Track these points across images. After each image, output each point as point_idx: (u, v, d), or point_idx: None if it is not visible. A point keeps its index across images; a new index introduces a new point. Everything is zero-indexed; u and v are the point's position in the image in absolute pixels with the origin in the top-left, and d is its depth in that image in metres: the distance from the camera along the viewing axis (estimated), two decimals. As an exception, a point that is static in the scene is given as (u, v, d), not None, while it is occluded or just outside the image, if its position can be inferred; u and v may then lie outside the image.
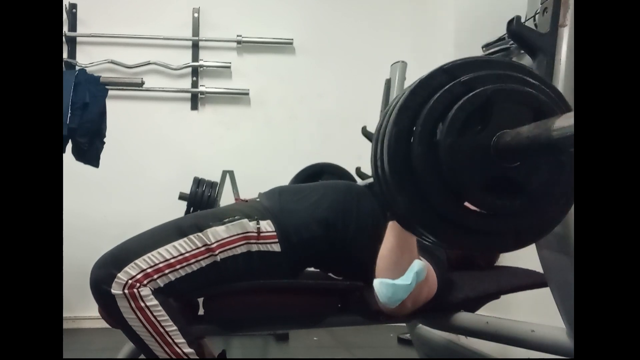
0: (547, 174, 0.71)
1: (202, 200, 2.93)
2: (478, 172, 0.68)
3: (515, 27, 0.94)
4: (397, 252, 1.15)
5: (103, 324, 1.27)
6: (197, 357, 1.18)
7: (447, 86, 0.70)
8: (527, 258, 1.21)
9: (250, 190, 1.85)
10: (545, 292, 1.05)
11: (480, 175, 0.69)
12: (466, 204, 0.70)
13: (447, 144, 0.67)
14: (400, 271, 1.14)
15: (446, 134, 0.68)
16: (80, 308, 3.14)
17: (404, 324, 2.30)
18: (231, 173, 3.17)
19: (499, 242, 0.76)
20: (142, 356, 1.24)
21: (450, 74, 0.71)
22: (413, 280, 1.13)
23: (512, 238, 0.74)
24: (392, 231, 1.17)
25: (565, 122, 0.61)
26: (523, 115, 0.69)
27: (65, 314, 3.06)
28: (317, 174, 2.13)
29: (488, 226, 0.72)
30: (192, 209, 2.93)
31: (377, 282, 1.16)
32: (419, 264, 1.15)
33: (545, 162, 0.71)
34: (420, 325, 1.85)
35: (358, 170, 2.31)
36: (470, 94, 0.68)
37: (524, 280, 1.37)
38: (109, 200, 3.34)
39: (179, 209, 2.84)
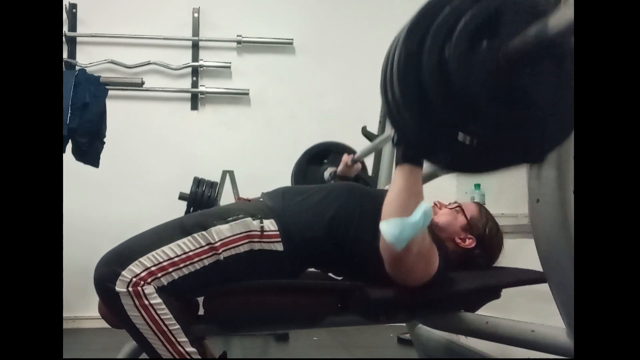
0: (554, 85, 0.70)
1: (202, 200, 2.93)
2: (488, 82, 0.67)
3: None
4: (404, 196, 1.14)
5: (103, 324, 1.27)
6: (199, 356, 1.18)
7: (455, 3, 0.70)
8: (527, 259, 1.21)
9: (250, 190, 1.84)
10: (545, 292, 1.05)
11: (490, 86, 0.68)
12: (476, 120, 0.69)
13: (456, 57, 0.67)
14: (407, 214, 1.12)
15: (455, 47, 0.67)
16: (80, 308, 3.14)
17: (404, 324, 2.30)
18: (231, 173, 3.17)
19: (509, 156, 0.75)
20: (142, 356, 1.24)
21: None
22: (421, 219, 1.11)
23: (522, 151, 0.74)
24: (399, 175, 1.16)
25: (565, 13, 0.61)
26: (529, 25, 0.68)
27: (65, 314, 3.06)
28: (323, 152, 2.14)
29: (498, 139, 0.71)
30: (192, 209, 2.93)
31: (383, 223, 1.13)
32: (426, 205, 1.13)
33: (551, 73, 0.69)
34: (420, 325, 1.85)
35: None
36: (478, 6, 0.68)
37: (524, 276, 1.37)
38: (109, 200, 3.35)
39: (179, 209, 2.84)
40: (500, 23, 0.68)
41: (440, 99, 0.68)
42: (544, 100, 0.70)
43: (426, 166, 1.20)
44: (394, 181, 1.17)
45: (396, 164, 1.18)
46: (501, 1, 0.68)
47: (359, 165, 1.96)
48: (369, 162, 2.36)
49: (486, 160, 0.75)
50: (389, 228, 1.12)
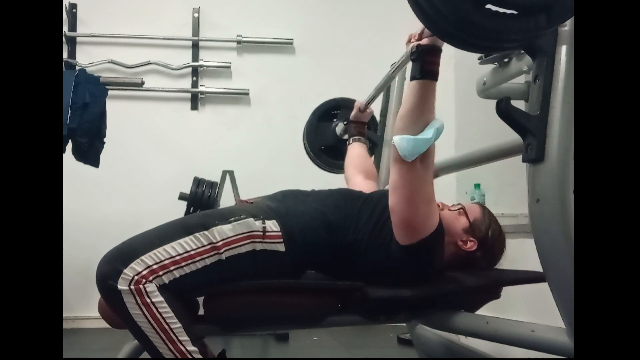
0: None
1: (202, 200, 2.93)
2: None
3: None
4: (417, 111, 1.19)
5: (103, 324, 1.27)
6: (200, 356, 1.18)
7: None
8: (527, 261, 1.21)
9: (250, 190, 1.85)
10: (545, 292, 1.05)
11: None
12: None
13: None
14: (420, 128, 1.18)
15: None
16: (80, 308, 3.14)
17: (404, 324, 2.30)
18: (231, 173, 3.17)
19: (532, 21, 0.75)
20: (142, 356, 1.24)
21: None
22: (433, 135, 1.18)
23: (545, 17, 0.74)
24: (412, 90, 1.20)
25: None
26: None
27: (65, 314, 3.06)
28: (333, 108, 2.15)
29: (521, 3, 0.72)
30: (192, 209, 2.93)
31: (397, 138, 1.20)
32: (439, 121, 1.19)
33: None
34: (420, 325, 1.85)
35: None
36: None
37: (524, 275, 1.37)
38: (109, 200, 3.35)
39: (179, 209, 2.84)
40: None
41: None
42: None
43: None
44: (407, 96, 1.22)
45: (412, 79, 1.21)
46: None
47: (371, 109, 1.97)
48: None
49: (512, 29, 0.76)
50: (402, 144, 1.18)
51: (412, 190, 1.23)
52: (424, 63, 1.18)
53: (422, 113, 1.19)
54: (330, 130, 2.13)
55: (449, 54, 1.20)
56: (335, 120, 2.13)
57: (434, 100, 1.20)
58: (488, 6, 0.76)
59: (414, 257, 1.26)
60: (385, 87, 1.91)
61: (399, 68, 1.64)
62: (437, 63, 1.20)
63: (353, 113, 1.93)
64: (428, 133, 1.18)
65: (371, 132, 2.04)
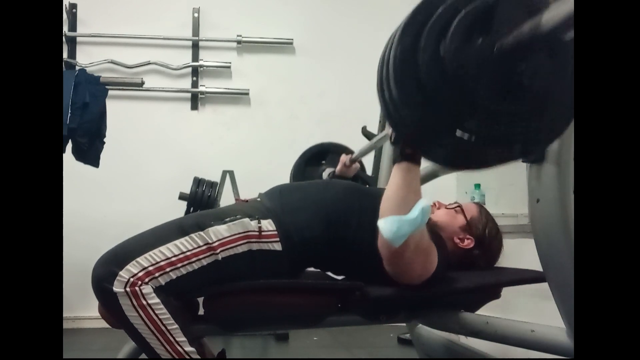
0: (550, 77, 0.70)
1: (202, 200, 2.93)
2: (484, 76, 0.68)
3: None
4: (402, 192, 1.15)
5: (103, 324, 1.27)
6: (198, 356, 1.18)
7: (449, 1, 0.70)
8: (527, 259, 1.21)
9: (250, 190, 1.85)
10: (545, 292, 1.05)
11: (486, 79, 0.68)
12: (473, 115, 0.70)
13: (452, 51, 0.67)
14: (405, 210, 1.12)
15: (450, 42, 0.67)
16: (80, 308, 3.14)
17: (404, 324, 2.30)
18: (231, 173, 3.17)
19: (507, 150, 0.75)
20: (142, 356, 1.24)
21: None
22: (419, 216, 1.11)
23: (520, 145, 0.74)
24: (397, 172, 1.16)
25: (559, 8, 0.61)
26: (523, 21, 0.68)
27: (65, 314, 3.06)
28: (321, 153, 2.14)
29: (495, 132, 0.71)
30: (192, 209, 2.93)
31: (381, 221, 1.13)
32: (424, 202, 1.13)
33: (547, 65, 0.70)
34: (420, 325, 1.85)
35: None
36: (472, 4, 0.68)
37: (524, 275, 1.37)
38: (109, 200, 3.35)
39: (179, 209, 2.84)
40: (495, 19, 0.68)
41: (437, 95, 0.69)
42: (540, 92, 0.70)
43: (425, 165, 1.20)
44: (392, 178, 1.18)
45: (394, 162, 1.18)
46: None
47: (357, 165, 1.96)
48: (369, 161, 2.36)
49: (485, 155, 0.75)
50: (386, 225, 1.12)
51: (405, 268, 1.18)
52: (404, 147, 1.15)
53: (407, 194, 1.14)
54: (317, 175, 2.12)
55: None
56: (323, 162, 2.12)
57: (417, 182, 1.16)
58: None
59: None
60: (374, 149, 1.91)
61: (386, 137, 1.63)
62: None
63: (338, 168, 1.94)
64: (413, 213, 1.11)
65: (363, 173, 2.04)
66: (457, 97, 0.68)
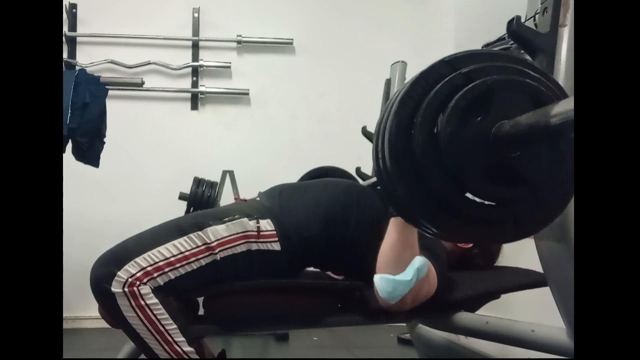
0: (547, 163, 0.71)
1: (202, 200, 2.93)
2: (478, 160, 0.68)
3: (515, 27, 0.94)
4: (399, 248, 1.15)
5: (103, 324, 1.27)
6: (197, 356, 1.18)
7: (448, 77, 0.70)
8: (527, 258, 1.21)
9: (250, 190, 1.84)
10: (545, 292, 1.05)
11: (481, 163, 0.69)
12: (467, 194, 0.70)
13: (447, 133, 0.67)
14: (401, 267, 1.14)
15: (447, 123, 0.68)
16: (80, 308, 3.14)
17: (404, 324, 2.30)
18: (231, 173, 3.17)
19: (499, 232, 0.75)
20: (142, 356, 1.24)
21: (452, 65, 0.72)
22: (414, 276, 1.13)
23: (513, 227, 0.74)
24: (393, 227, 1.17)
25: (563, 107, 0.62)
26: (523, 105, 0.69)
27: (65, 314, 3.06)
28: (321, 176, 2.13)
29: (488, 215, 0.72)
30: (192, 209, 2.93)
31: (377, 278, 1.16)
32: (420, 260, 1.15)
33: (545, 151, 0.71)
34: (420, 325, 1.85)
35: (358, 170, 2.32)
36: (471, 84, 0.69)
37: (524, 279, 1.37)
38: (109, 200, 3.34)
39: (179, 209, 2.84)
40: (493, 102, 0.69)
41: (431, 173, 0.69)
42: (536, 178, 0.71)
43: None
44: (389, 232, 1.19)
45: (390, 216, 1.19)
46: (494, 81, 0.69)
47: None
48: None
49: (475, 232, 0.76)
50: (381, 285, 1.15)
51: (408, 309, 1.21)
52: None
53: (403, 250, 1.16)
54: None
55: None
56: None
57: (414, 237, 1.17)
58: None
59: None
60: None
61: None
62: None
63: None
64: (408, 274, 1.14)
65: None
66: (450, 177, 0.69)
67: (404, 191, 0.72)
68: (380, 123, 0.76)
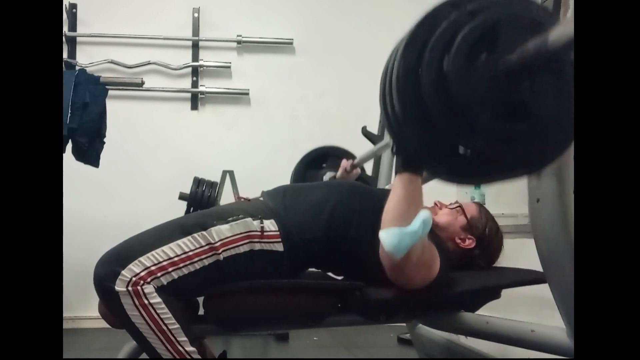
0: (552, 98, 0.70)
1: (202, 200, 2.93)
2: (487, 95, 0.68)
3: None
4: (404, 204, 1.14)
5: (103, 324, 1.27)
6: (199, 356, 1.18)
7: (452, 16, 0.70)
8: (527, 258, 1.21)
9: (250, 190, 1.84)
10: (545, 292, 1.05)
11: (489, 98, 0.68)
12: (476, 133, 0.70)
13: (455, 71, 0.67)
14: (406, 223, 1.12)
15: (454, 61, 0.67)
16: (80, 308, 3.14)
17: (404, 324, 2.30)
18: (231, 173, 3.17)
19: (508, 169, 0.75)
20: (142, 356, 1.24)
21: (455, 4, 0.71)
22: (420, 228, 1.11)
23: (521, 164, 0.74)
24: (399, 184, 1.16)
25: (565, 28, 0.61)
26: (528, 39, 0.68)
27: (65, 314, 3.06)
28: (322, 156, 2.14)
29: (497, 152, 0.71)
30: (192, 209, 2.93)
31: (382, 233, 1.13)
32: (425, 213, 1.13)
33: (550, 86, 0.70)
34: (420, 325, 1.85)
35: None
36: (476, 20, 0.68)
37: (525, 276, 1.37)
38: (109, 200, 3.35)
39: (179, 209, 2.84)
40: (499, 37, 0.69)
41: (440, 113, 0.69)
42: (543, 112, 0.70)
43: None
44: (394, 189, 1.17)
45: (396, 172, 1.18)
46: (499, 15, 0.69)
47: (358, 170, 1.96)
48: (368, 164, 2.36)
49: (486, 171, 0.75)
50: (387, 237, 1.12)
51: (408, 278, 1.19)
52: (406, 157, 1.15)
53: (409, 206, 1.14)
54: (318, 178, 2.12)
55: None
56: (324, 165, 2.12)
57: (419, 192, 1.15)
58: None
59: None
60: (373, 157, 1.91)
61: (387, 146, 1.63)
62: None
63: (339, 173, 1.94)
64: (414, 225, 1.11)
65: (364, 174, 2.04)
66: (460, 116, 0.68)
67: (413, 134, 0.71)
68: (387, 69, 0.75)
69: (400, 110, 0.71)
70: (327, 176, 2.06)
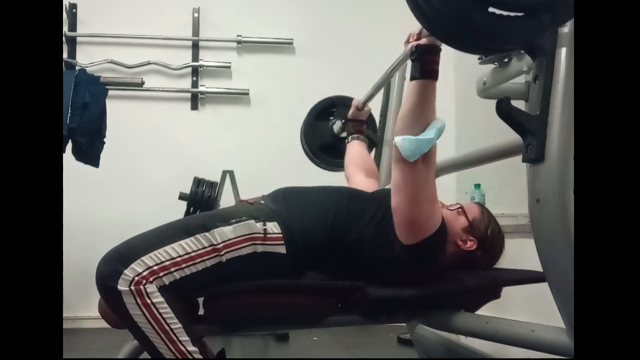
0: None
1: (202, 200, 2.93)
2: None
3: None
4: (418, 111, 1.19)
5: (103, 324, 1.27)
6: (200, 356, 1.18)
7: None
8: (527, 259, 1.21)
9: (250, 191, 1.84)
10: (545, 292, 1.05)
11: None
12: None
13: None
14: (420, 130, 1.18)
15: None
16: (80, 308, 3.14)
17: (404, 324, 2.30)
18: (231, 173, 3.17)
19: (536, 21, 0.75)
20: (142, 356, 1.24)
21: None
22: (435, 135, 1.18)
23: (549, 16, 0.73)
24: (412, 90, 1.20)
25: None
26: None
27: (65, 314, 3.06)
28: (329, 106, 2.14)
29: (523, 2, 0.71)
30: (192, 209, 2.93)
31: (398, 139, 1.19)
32: (440, 122, 1.19)
33: None
34: (420, 325, 1.85)
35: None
36: None
37: (525, 275, 1.37)
38: (109, 200, 3.35)
39: (179, 209, 2.84)
40: None
41: None
42: None
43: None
44: (408, 96, 1.22)
45: (411, 79, 1.21)
46: None
47: (369, 107, 1.95)
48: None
49: (512, 29, 0.75)
50: (404, 145, 1.18)
51: (415, 190, 1.22)
52: (424, 62, 1.18)
53: (422, 113, 1.19)
54: (327, 129, 2.12)
55: (449, 53, 1.20)
56: (332, 118, 2.13)
57: (434, 99, 1.20)
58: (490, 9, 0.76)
59: (417, 256, 1.26)
60: (383, 86, 1.91)
61: (398, 66, 1.64)
62: (436, 62, 1.20)
63: (351, 111, 1.93)
64: (430, 133, 1.17)
65: (370, 132, 2.04)
66: None
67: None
68: None
69: None
70: (337, 125, 2.06)
